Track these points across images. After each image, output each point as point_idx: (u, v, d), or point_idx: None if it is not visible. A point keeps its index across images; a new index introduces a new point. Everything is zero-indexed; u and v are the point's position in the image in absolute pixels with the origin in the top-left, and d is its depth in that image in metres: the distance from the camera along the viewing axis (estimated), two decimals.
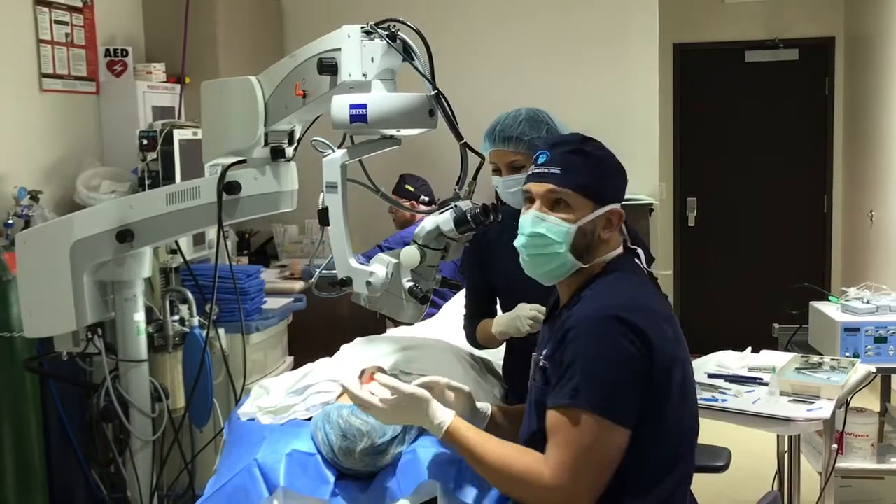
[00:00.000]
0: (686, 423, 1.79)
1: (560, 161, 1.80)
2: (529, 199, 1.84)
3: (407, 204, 4.56)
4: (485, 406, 2.05)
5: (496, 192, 2.48)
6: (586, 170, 1.80)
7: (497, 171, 2.44)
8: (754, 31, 6.38)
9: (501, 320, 2.44)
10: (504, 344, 2.58)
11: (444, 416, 1.81)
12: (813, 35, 6.34)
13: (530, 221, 1.81)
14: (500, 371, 2.68)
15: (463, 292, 2.91)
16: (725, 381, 2.86)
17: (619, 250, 1.85)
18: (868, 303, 3.28)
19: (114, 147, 4.15)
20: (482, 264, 2.56)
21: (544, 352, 1.80)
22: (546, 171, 1.80)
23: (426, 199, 4.69)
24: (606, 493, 1.68)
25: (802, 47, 6.38)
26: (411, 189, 4.71)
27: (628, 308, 1.69)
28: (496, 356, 2.72)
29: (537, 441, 1.75)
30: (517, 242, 1.84)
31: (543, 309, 2.20)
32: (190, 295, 3.21)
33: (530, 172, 1.86)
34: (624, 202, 1.86)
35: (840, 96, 6.34)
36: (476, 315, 2.61)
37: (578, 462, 1.65)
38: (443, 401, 1.91)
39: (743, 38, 6.40)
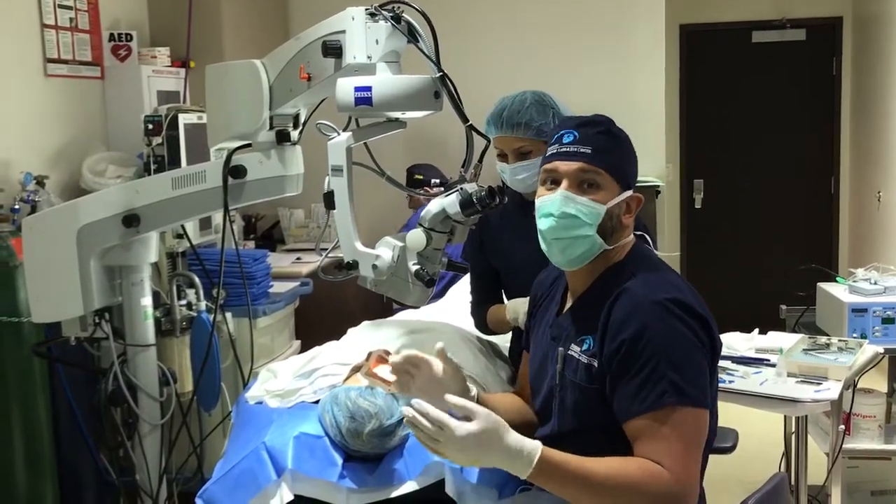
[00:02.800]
0: (715, 403, 1.77)
1: (590, 141, 1.73)
2: (554, 181, 1.75)
3: (421, 192, 4.60)
4: (472, 387, 1.93)
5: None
6: (617, 152, 1.75)
7: (503, 157, 2.38)
8: (761, 12, 6.34)
9: (515, 306, 2.39)
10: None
11: (530, 445, 1.55)
12: (820, 15, 6.30)
13: (560, 202, 1.71)
14: (507, 354, 2.68)
15: (468, 277, 2.91)
16: (733, 362, 2.86)
17: (632, 237, 1.82)
18: (876, 284, 3.27)
19: (119, 132, 4.15)
20: (483, 248, 2.53)
21: (583, 347, 1.71)
22: (576, 149, 1.72)
23: (437, 181, 4.71)
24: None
25: (810, 27, 6.34)
26: (421, 177, 4.73)
27: (678, 291, 1.66)
28: (503, 339, 2.72)
29: (568, 441, 1.66)
30: (542, 225, 1.75)
31: None
32: (197, 279, 3.21)
33: (556, 151, 1.76)
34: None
35: (848, 77, 6.30)
36: (483, 301, 2.58)
37: (688, 453, 1.58)
38: (434, 374, 1.80)
39: (750, 19, 6.36)
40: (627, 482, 1.54)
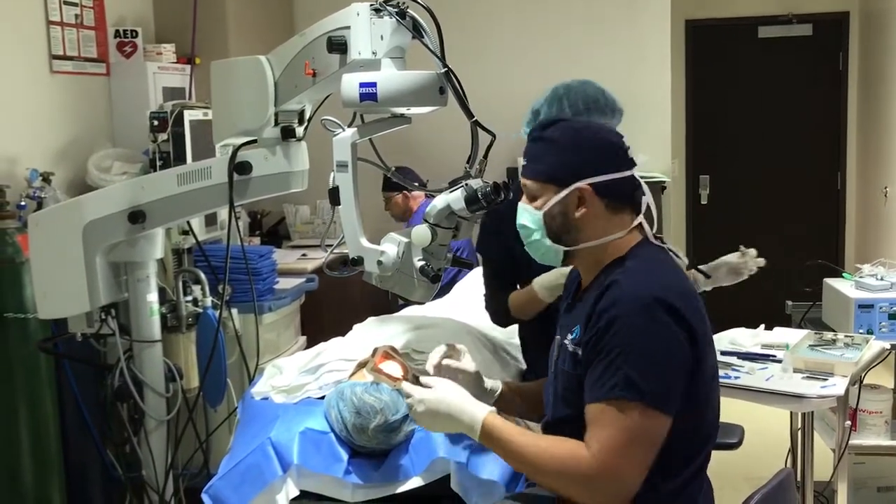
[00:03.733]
0: (714, 402, 1.78)
1: (529, 153, 1.85)
2: None
3: (399, 196, 4.74)
4: (494, 384, 2.03)
5: (508, 170, 2.48)
6: (543, 156, 1.82)
7: None
8: (767, 7, 6.32)
9: (542, 281, 2.37)
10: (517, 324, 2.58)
11: (478, 413, 1.74)
12: (827, 10, 6.28)
13: (518, 213, 1.85)
14: (512, 349, 2.68)
15: (474, 273, 2.91)
16: (739, 358, 2.85)
17: (624, 232, 1.80)
18: (882, 279, 3.26)
19: (125, 128, 4.15)
20: (500, 235, 2.51)
21: (571, 336, 1.76)
22: (525, 163, 1.86)
23: (415, 184, 4.71)
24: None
25: (816, 22, 6.31)
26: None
27: (667, 292, 1.66)
28: (508, 335, 2.72)
29: (563, 428, 1.73)
30: None
31: None
32: (202, 275, 3.22)
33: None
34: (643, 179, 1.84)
35: (854, 72, 6.28)
36: (501, 288, 2.55)
37: (625, 447, 1.61)
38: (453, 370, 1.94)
39: (756, 14, 6.34)
40: (553, 462, 1.65)
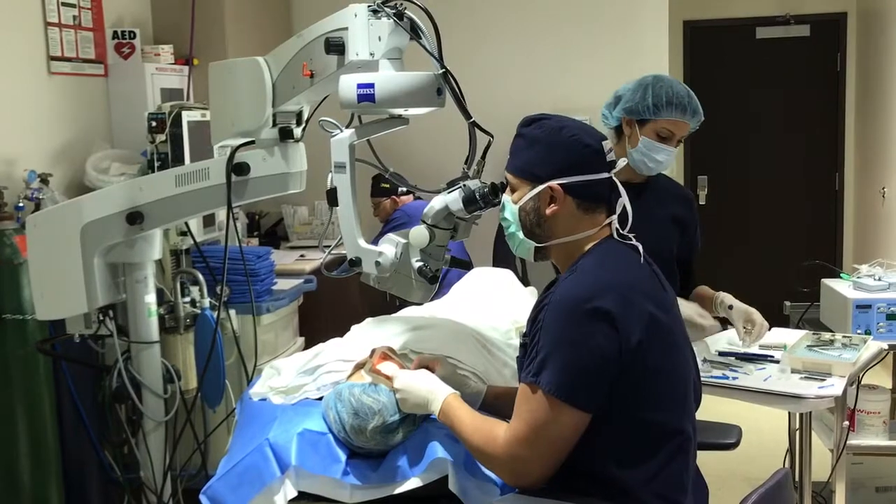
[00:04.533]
0: (671, 399, 1.80)
1: (511, 146, 1.92)
2: None
3: (387, 202, 4.75)
4: (479, 387, 2.09)
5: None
6: (522, 152, 1.89)
7: (665, 139, 2.61)
8: (765, 8, 6.33)
9: None
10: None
11: (437, 395, 1.90)
12: (824, 11, 6.29)
13: (501, 205, 1.94)
14: (510, 350, 2.68)
15: (472, 273, 2.91)
16: (736, 358, 2.86)
17: (594, 230, 1.85)
18: (880, 279, 3.27)
19: (123, 129, 4.15)
20: None
21: (525, 330, 1.85)
22: (509, 157, 1.93)
23: (403, 189, 4.74)
24: (592, 464, 1.73)
25: (814, 23, 6.32)
26: (388, 186, 4.77)
27: (594, 291, 1.71)
28: (506, 336, 2.72)
29: None
30: None
31: None
32: (200, 276, 3.22)
33: None
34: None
35: (852, 72, 6.29)
36: None
37: (532, 436, 1.71)
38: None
39: (754, 15, 6.35)
40: (476, 440, 1.80)
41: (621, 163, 1.89)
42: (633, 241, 1.87)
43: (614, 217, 1.87)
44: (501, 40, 5.46)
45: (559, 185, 1.82)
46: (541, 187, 1.84)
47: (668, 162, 2.65)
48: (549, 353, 1.70)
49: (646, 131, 2.63)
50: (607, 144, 1.87)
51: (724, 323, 2.85)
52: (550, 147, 1.85)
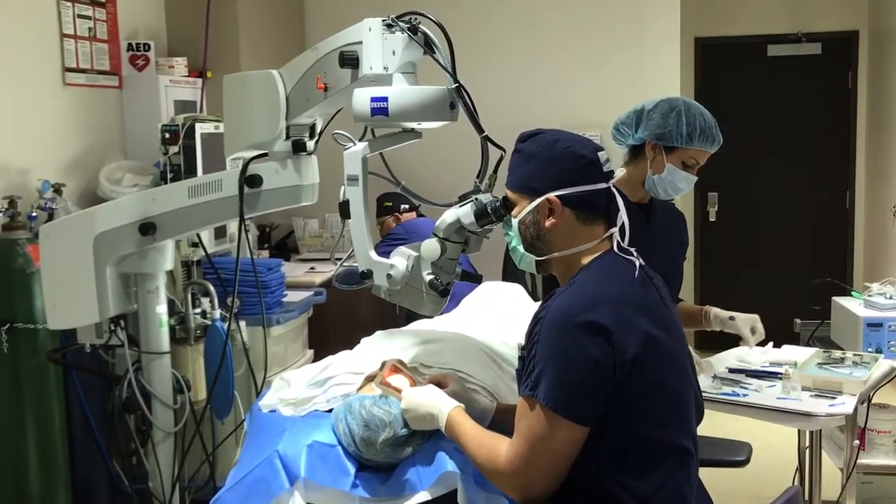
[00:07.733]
0: (676, 413, 1.80)
1: (510, 163, 1.95)
2: None
3: (390, 219, 4.80)
4: (488, 405, 2.08)
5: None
6: (519, 167, 1.91)
7: (689, 168, 2.64)
8: (777, 25, 6.34)
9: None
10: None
11: (442, 410, 1.91)
12: (836, 29, 6.29)
13: (504, 221, 1.97)
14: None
15: (482, 287, 2.91)
16: (746, 375, 2.85)
17: (594, 243, 1.86)
18: (891, 298, 3.26)
19: (136, 141, 4.18)
20: None
21: (522, 344, 1.86)
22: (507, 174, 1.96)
23: (406, 206, 4.77)
24: (592, 479, 1.73)
25: (825, 41, 6.33)
26: (390, 204, 4.80)
27: (589, 305, 1.72)
28: (515, 350, 2.72)
29: None
30: None
31: None
32: (212, 288, 3.22)
33: None
34: None
35: (863, 91, 6.29)
36: None
37: (531, 451, 1.72)
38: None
39: (765, 32, 6.36)
40: (480, 454, 1.81)
41: (619, 173, 1.89)
42: (634, 255, 1.87)
43: (614, 230, 1.87)
44: (512, 56, 5.48)
45: (557, 196, 1.83)
46: (539, 200, 1.85)
47: (688, 189, 2.65)
48: (545, 367, 1.71)
49: (672, 159, 2.60)
50: (603, 155, 1.88)
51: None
52: (546, 160, 1.87)
